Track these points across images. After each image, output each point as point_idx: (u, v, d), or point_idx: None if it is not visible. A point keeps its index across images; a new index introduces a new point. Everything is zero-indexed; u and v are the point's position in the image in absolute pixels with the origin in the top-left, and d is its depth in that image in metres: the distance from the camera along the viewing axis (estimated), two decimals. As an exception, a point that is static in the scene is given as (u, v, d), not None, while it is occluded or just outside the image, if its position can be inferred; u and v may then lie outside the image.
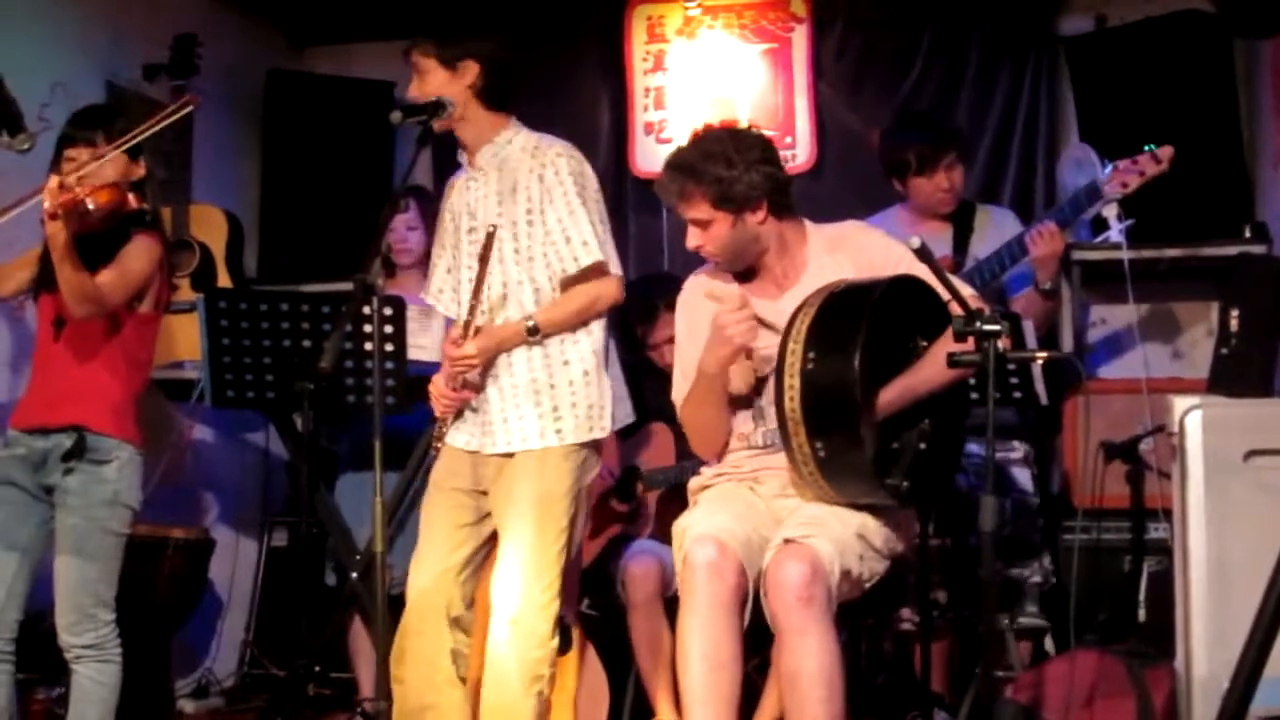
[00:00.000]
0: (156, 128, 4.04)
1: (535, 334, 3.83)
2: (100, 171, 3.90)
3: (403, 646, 3.86)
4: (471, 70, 3.86)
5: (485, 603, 3.89)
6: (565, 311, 3.87)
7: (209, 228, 5.59)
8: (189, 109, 4.13)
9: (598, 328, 3.92)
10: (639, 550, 4.66)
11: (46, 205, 3.68)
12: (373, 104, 6.04)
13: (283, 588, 5.80)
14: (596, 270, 3.86)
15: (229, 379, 4.68)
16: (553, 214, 3.84)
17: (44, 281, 3.98)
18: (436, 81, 3.86)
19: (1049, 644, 4.85)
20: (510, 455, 3.86)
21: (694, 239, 3.70)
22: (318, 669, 5.11)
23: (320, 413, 4.76)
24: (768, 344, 3.58)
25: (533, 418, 3.85)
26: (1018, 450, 4.77)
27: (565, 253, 3.84)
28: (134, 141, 3.97)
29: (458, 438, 3.94)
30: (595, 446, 3.93)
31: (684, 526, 3.57)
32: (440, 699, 3.87)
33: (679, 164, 3.66)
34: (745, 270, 3.75)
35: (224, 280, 5.53)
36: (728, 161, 3.58)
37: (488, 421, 3.89)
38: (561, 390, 3.86)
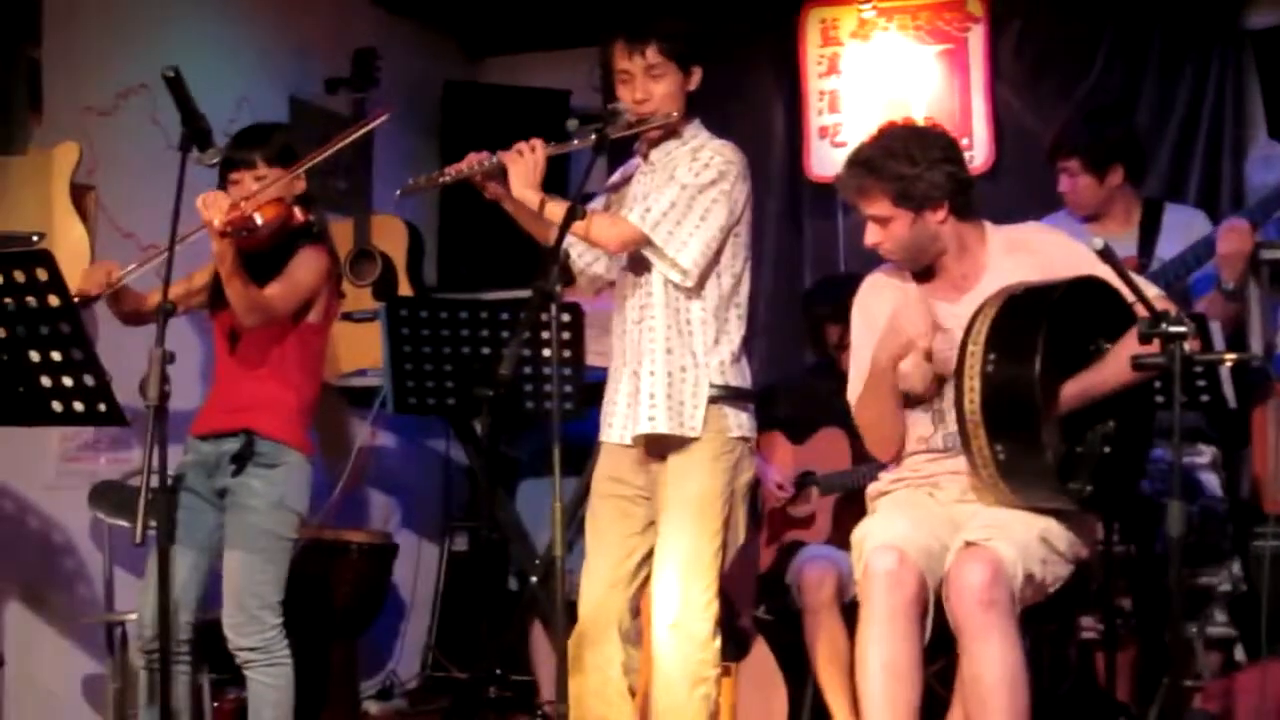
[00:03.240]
0: (350, 139, 4.14)
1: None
2: (266, 189, 3.97)
3: (577, 657, 3.83)
4: (696, 74, 3.86)
5: (649, 611, 3.89)
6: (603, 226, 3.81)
7: (390, 237, 5.71)
8: (381, 120, 4.21)
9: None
10: (813, 555, 4.64)
11: (217, 223, 3.78)
12: (547, 112, 6.08)
13: (464, 592, 5.88)
14: (636, 234, 3.77)
15: (410, 385, 4.75)
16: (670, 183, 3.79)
17: (217, 298, 4.08)
18: (670, 84, 3.81)
19: (1239, 653, 4.73)
20: (663, 458, 3.81)
21: (872, 236, 3.66)
22: (499, 672, 5.18)
23: (499, 419, 4.82)
24: (947, 346, 3.54)
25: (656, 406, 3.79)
26: (1205, 454, 4.65)
27: (639, 206, 3.79)
28: (331, 152, 4.05)
29: (612, 434, 3.91)
30: (748, 445, 3.86)
31: (863, 534, 3.54)
32: (612, 712, 3.87)
33: (860, 160, 3.62)
34: (923, 271, 3.71)
35: (405, 289, 5.64)
36: (910, 159, 3.54)
37: (637, 404, 3.83)
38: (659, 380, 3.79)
